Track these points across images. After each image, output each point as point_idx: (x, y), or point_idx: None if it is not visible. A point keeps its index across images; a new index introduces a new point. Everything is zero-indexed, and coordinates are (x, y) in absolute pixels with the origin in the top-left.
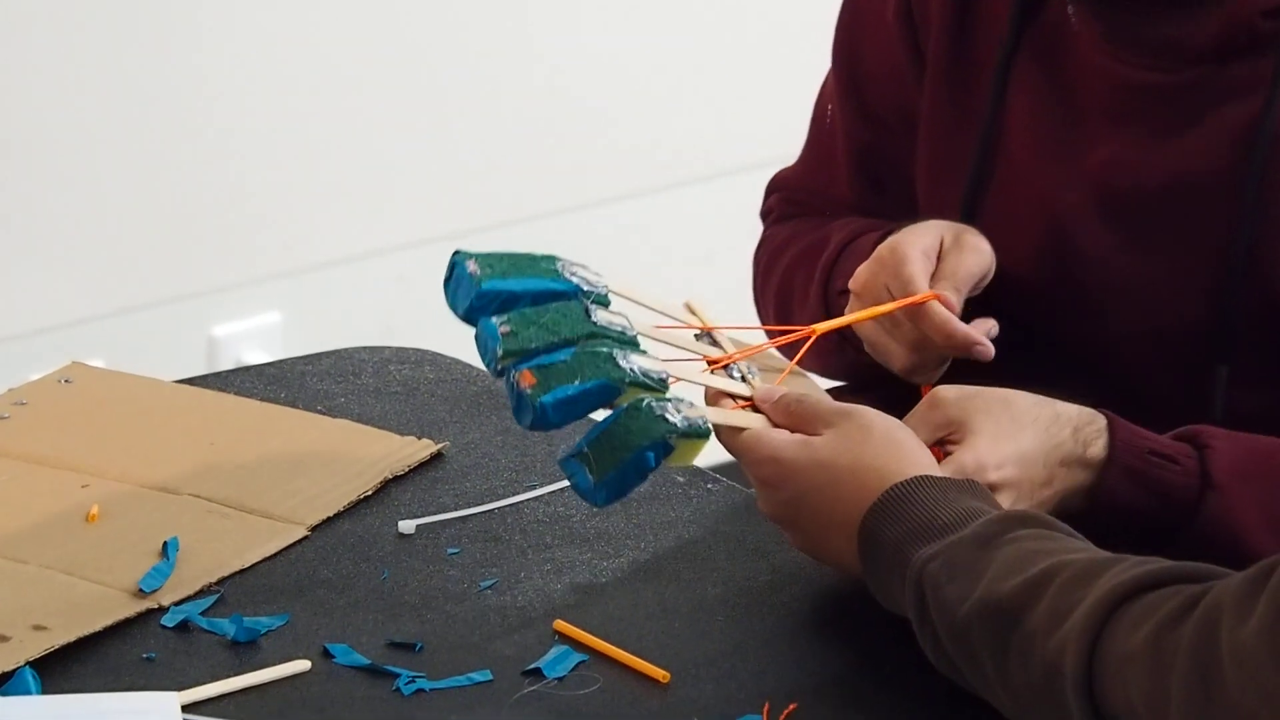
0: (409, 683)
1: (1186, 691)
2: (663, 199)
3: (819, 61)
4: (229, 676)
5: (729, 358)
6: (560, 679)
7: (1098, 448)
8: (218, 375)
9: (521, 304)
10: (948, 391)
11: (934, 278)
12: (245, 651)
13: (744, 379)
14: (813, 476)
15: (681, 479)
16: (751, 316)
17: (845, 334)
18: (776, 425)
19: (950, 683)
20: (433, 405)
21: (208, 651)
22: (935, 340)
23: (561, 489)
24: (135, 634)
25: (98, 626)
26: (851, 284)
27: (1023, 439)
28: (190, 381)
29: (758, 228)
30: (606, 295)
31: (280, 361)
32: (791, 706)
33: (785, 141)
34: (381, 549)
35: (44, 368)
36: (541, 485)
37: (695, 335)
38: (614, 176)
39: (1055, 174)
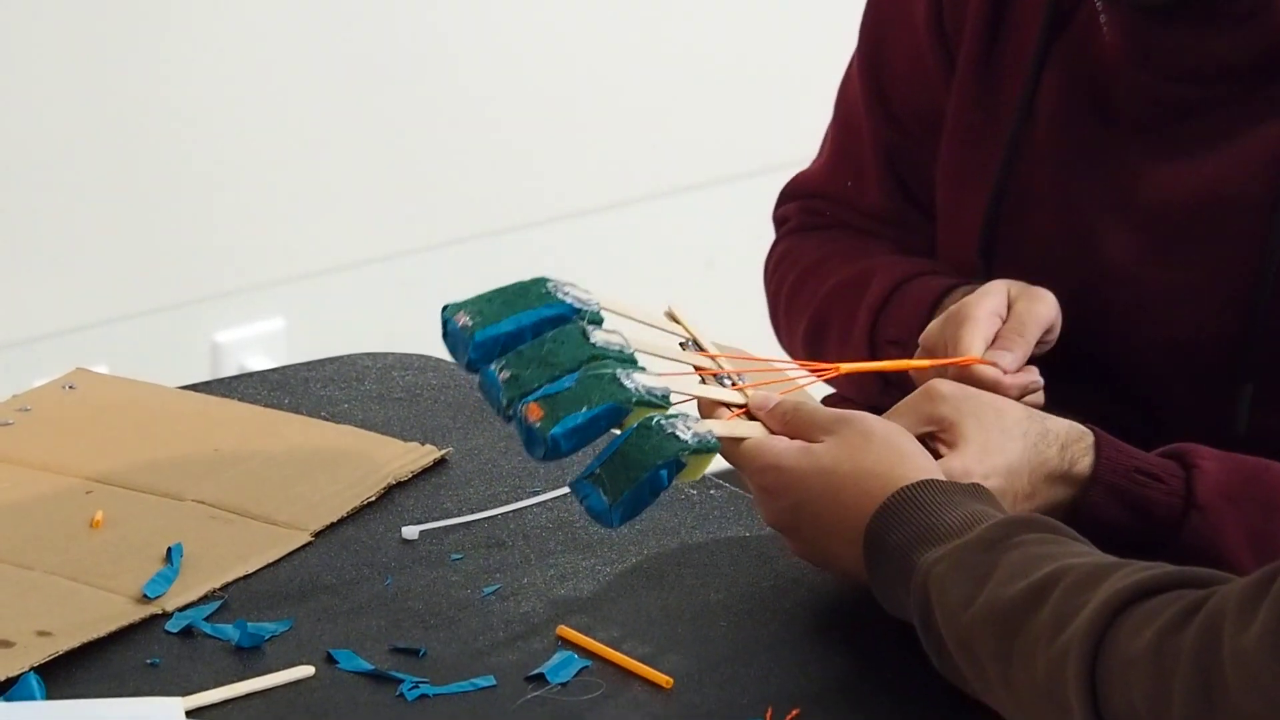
0: (412, 688)
1: (1188, 697)
2: (663, 205)
3: (822, 64)
4: (233, 682)
5: (719, 369)
6: (563, 685)
7: (1084, 465)
8: (221, 381)
9: (521, 340)
10: (944, 387)
11: (1005, 326)
12: (249, 657)
13: (734, 384)
14: (814, 483)
15: (684, 486)
16: (752, 322)
17: (890, 378)
18: (774, 433)
19: (953, 688)
20: (436, 411)
21: (212, 657)
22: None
23: (565, 495)
24: (139, 640)
25: (102, 632)
26: (923, 339)
27: (1010, 451)
28: (194, 387)
29: (758, 233)
30: (599, 313)
31: (283, 367)
32: (794, 712)
33: (788, 148)
34: (385, 555)
35: (48, 374)
36: (544, 491)
37: (680, 344)
38: (614, 183)
39: (1081, 184)
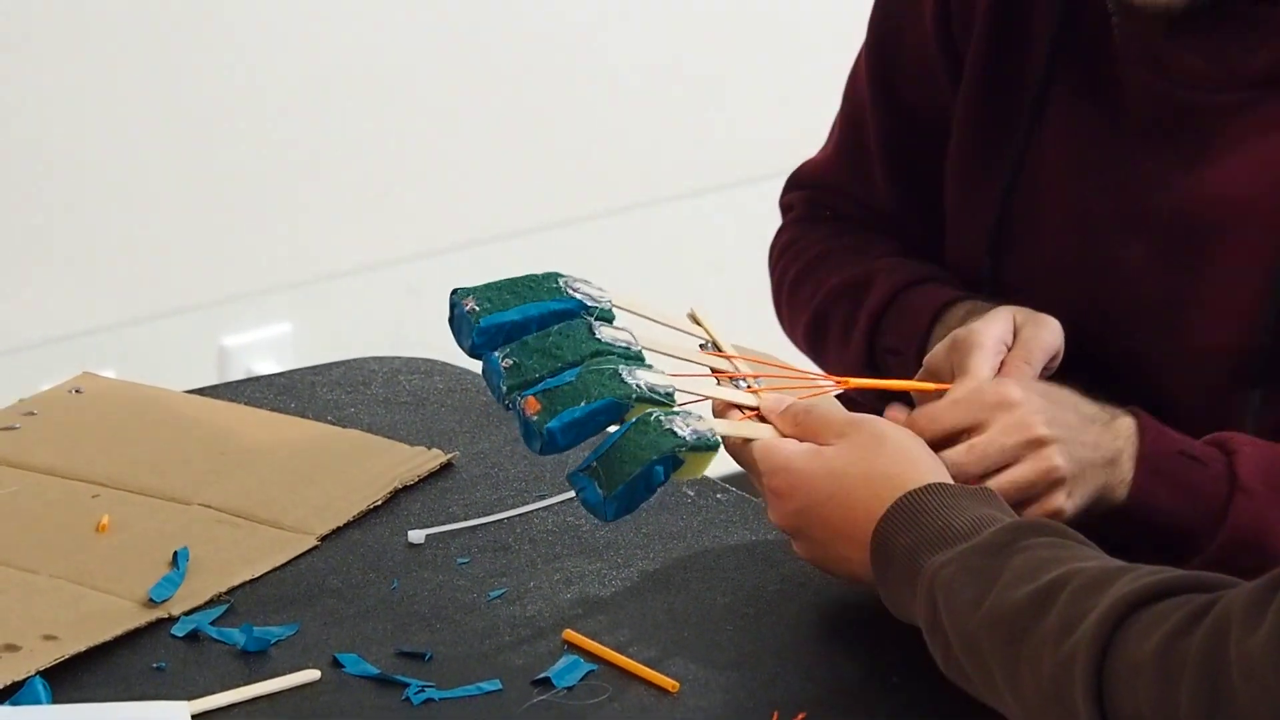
0: (418, 692)
1: (1195, 701)
2: (674, 208)
3: (828, 68)
4: (239, 686)
5: (736, 373)
6: (570, 689)
7: (1128, 448)
8: (228, 385)
9: (526, 330)
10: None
11: (1011, 353)
12: (255, 661)
13: (750, 388)
14: (824, 486)
15: (691, 490)
16: (763, 326)
17: (887, 392)
18: (785, 435)
19: (959, 692)
20: (442, 415)
21: (218, 661)
22: None
23: (571, 499)
24: (145, 644)
25: (108, 636)
26: (927, 362)
27: (1056, 394)
28: (200, 392)
29: (769, 236)
30: (610, 310)
31: (290, 372)
32: (801, 716)
33: (796, 151)
34: (391, 559)
35: (54, 378)
36: (551, 495)
37: (700, 345)
38: (624, 186)
39: (1091, 187)
